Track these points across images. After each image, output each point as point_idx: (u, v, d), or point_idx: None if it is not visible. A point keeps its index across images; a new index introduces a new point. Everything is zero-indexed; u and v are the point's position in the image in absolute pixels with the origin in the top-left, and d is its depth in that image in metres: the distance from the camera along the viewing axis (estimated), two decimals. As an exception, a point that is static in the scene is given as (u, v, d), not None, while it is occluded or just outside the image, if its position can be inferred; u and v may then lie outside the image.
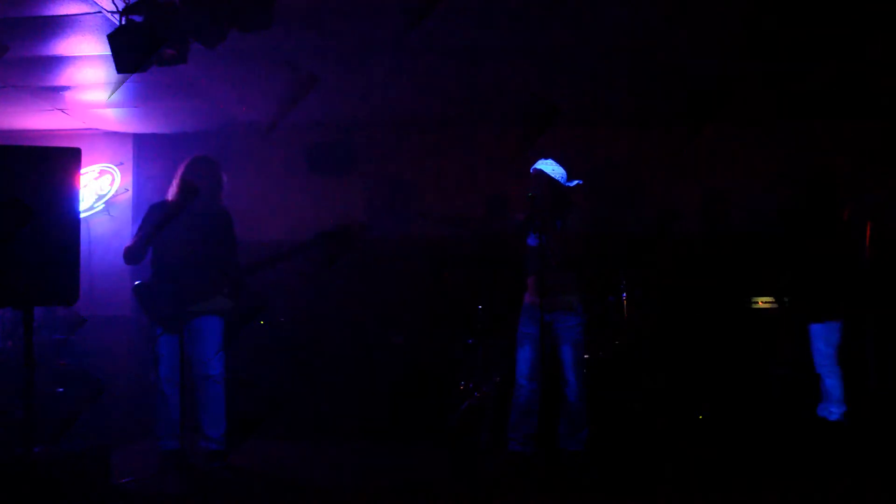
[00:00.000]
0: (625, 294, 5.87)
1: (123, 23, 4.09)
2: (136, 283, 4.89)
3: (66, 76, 5.65)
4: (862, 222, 5.39)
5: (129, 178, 7.33)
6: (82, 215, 6.67)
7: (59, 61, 5.34)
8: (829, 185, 5.81)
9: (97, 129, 7.19)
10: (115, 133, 7.30)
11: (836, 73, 5.79)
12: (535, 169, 4.92)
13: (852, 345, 5.43)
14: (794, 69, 5.71)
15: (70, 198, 4.12)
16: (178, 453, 4.75)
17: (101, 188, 7.25)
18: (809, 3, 4.57)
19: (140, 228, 4.94)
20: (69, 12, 4.50)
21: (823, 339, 5.42)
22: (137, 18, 4.06)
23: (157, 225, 4.82)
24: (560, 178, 4.89)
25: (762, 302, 6.37)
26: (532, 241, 4.87)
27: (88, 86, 5.90)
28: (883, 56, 5.39)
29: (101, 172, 7.26)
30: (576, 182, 4.93)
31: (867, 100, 6.41)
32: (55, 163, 4.11)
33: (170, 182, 5.10)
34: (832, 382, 5.35)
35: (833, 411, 5.34)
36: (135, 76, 4.88)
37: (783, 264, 5.73)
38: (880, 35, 5.05)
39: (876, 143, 6.79)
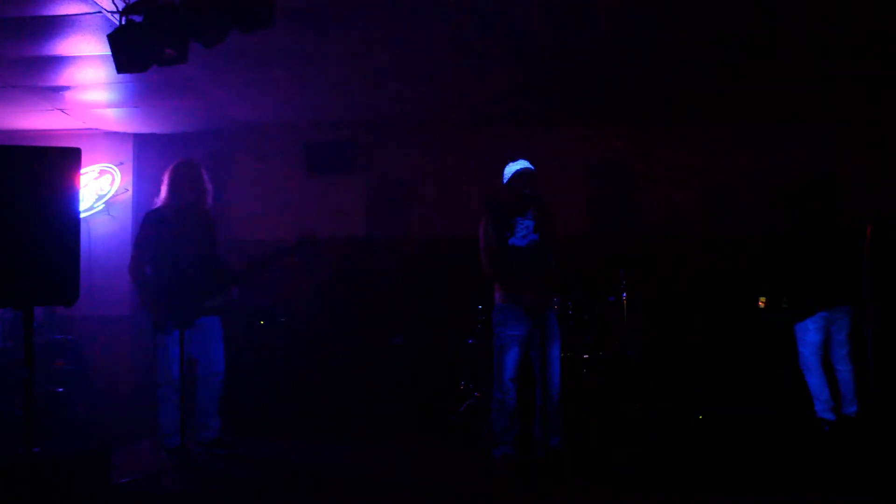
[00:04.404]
0: (625, 294, 5.87)
1: (123, 23, 4.09)
2: (159, 285, 4.97)
3: (66, 76, 5.65)
4: (862, 223, 5.40)
5: (129, 178, 7.33)
6: (82, 215, 6.68)
7: (59, 61, 5.34)
8: (829, 185, 5.82)
9: (97, 129, 7.19)
10: (115, 133, 7.30)
11: (835, 74, 5.80)
12: (529, 169, 4.85)
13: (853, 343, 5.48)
14: (794, 70, 5.71)
15: (70, 198, 4.12)
16: (182, 448, 4.81)
17: (101, 188, 7.25)
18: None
19: (137, 244, 5.06)
20: (69, 12, 4.50)
21: (799, 338, 5.55)
22: (137, 18, 4.07)
23: (151, 241, 5.00)
24: None
25: (762, 301, 6.37)
26: (519, 241, 4.77)
27: (88, 86, 5.90)
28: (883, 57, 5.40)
29: (101, 172, 7.27)
30: None
31: (868, 101, 6.42)
32: (55, 163, 4.11)
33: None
34: (810, 380, 5.47)
35: (817, 410, 5.44)
36: (135, 76, 4.89)
37: (779, 265, 5.74)
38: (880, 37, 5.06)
39: (876, 143, 6.80)
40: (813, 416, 5.46)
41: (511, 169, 4.88)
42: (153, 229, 5.02)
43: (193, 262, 4.97)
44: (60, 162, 4.12)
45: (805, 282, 5.48)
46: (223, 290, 5.09)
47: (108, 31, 4.15)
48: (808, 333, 5.48)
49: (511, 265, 4.78)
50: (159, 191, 5.17)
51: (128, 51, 4.09)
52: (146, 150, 7.41)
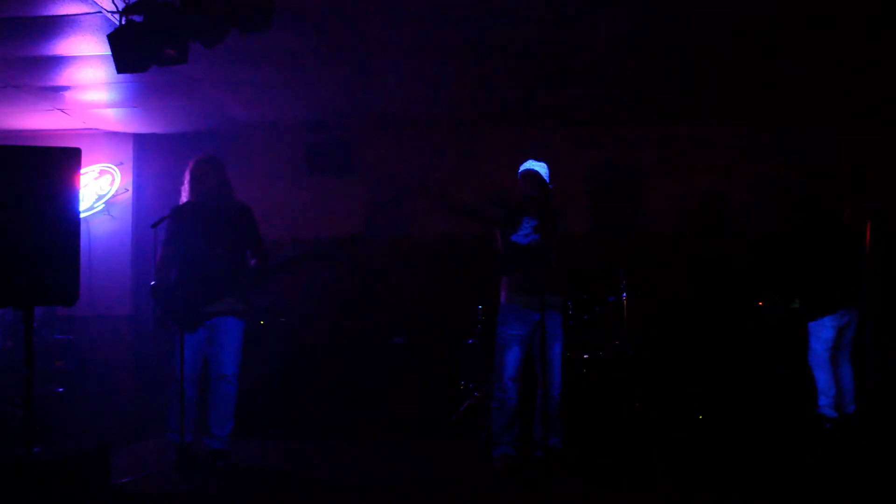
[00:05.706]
0: (625, 294, 5.87)
1: (123, 23, 4.09)
2: (152, 283, 4.95)
3: (66, 76, 5.65)
4: (862, 222, 5.40)
5: (129, 178, 7.33)
6: (82, 215, 6.67)
7: (59, 61, 5.34)
8: (829, 185, 5.82)
9: (97, 129, 7.19)
10: (115, 133, 7.30)
11: (836, 76, 5.80)
12: (531, 170, 4.90)
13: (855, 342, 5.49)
14: (794, 71, 5.71)
15: (70, 198, 4.12)
16: (191, 446, 4.82)
17: (101, 188, 7.25)
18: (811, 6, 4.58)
19: (165, 242, 5.01)
20: (69, 12, 4.50)
21: (813, 334, 5.52)
22: (137, 18, 4.06)
23: (178, 236, 4.95)
24: (547, 181, 4.92)
25: (762, 302, 6.36)
26: (521, 238, 4.82)
27: (88, 86, 5.90)
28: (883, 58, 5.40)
29: (101, 172, 7.26)
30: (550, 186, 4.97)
31: (867, 101, 6.42)
32: (55, 163, 4.11)
33: (171, 182, 5.24)
34: (820, 375, 5.47)
35: (821, 404, 5.44)
36: (135, 76, 4.88)
37: (781, 264, 5.73)
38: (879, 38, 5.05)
39: (877, 143, 6.79)
40: (815, 410, 5.46)
41: (519, 169, 4.95)
42: (177, 224, 4.96)
43: (209, 262, 4.89)
44: (60, 162, 4.12)
45: (825, 279, 5.46)
46: (244, 294, 5.00)
47: (108, 31, 4.14)
48: (825, 330, 5.45)
49: (511, 262, 4.84)
50: (180, 190, 5.14)
51: (128, 51, 4.09)
52: (146, 150, 7.42)
